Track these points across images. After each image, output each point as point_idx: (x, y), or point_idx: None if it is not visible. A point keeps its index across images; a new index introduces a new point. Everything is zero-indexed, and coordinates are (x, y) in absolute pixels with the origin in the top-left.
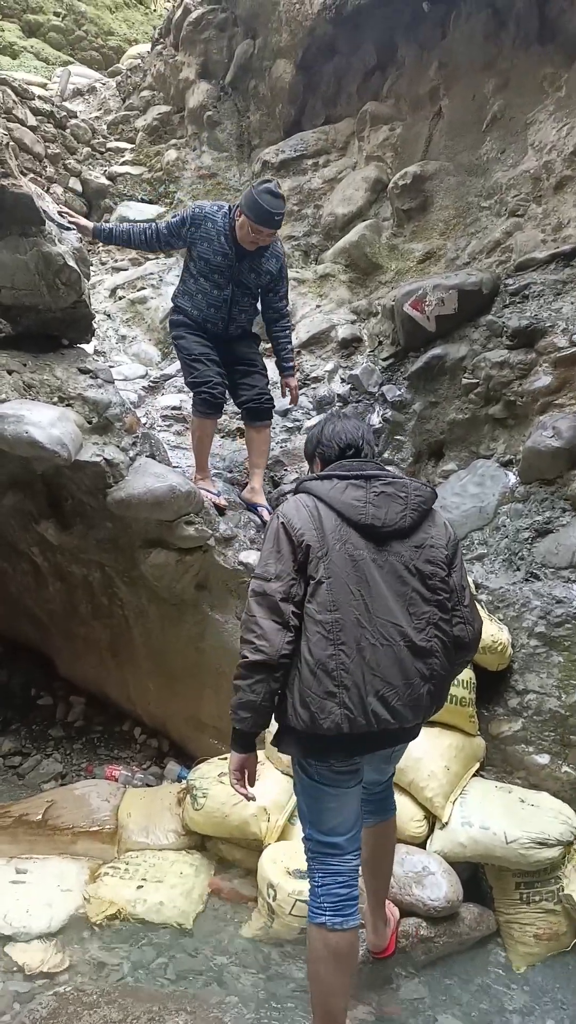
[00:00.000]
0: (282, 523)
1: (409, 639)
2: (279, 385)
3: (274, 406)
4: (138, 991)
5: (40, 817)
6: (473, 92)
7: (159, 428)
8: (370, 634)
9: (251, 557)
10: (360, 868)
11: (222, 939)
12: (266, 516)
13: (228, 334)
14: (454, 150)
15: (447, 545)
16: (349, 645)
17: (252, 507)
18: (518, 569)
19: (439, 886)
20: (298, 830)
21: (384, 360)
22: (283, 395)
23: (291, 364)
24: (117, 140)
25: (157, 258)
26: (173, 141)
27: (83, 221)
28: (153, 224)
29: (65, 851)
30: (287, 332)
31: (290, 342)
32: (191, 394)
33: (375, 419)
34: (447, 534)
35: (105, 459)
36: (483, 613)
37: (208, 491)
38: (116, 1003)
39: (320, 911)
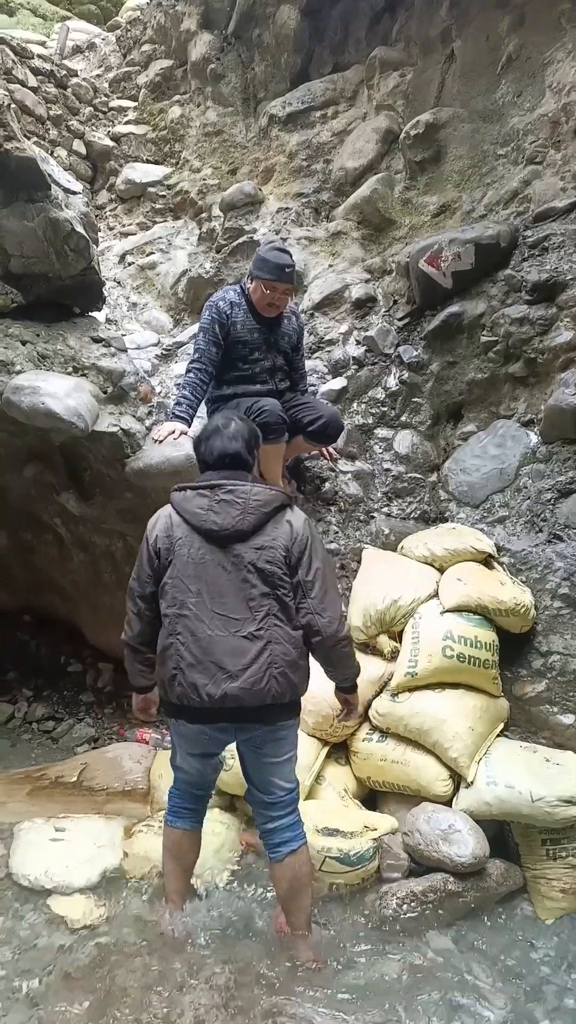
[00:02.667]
0: (147, 533)
1: (247, 630)
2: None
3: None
4: (176, 942)
5: (75, 779)
6: (487, 32)
7: (173, 396)
8: (207, 626)
9: None
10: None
11: (255, 894)
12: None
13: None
14: (468, 95)
15: (289, 546)
16: (185, 635)
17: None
18: (540, 531)
19: (466, 843)
20: (324, 790)
21: (400, 320)
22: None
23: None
24: (120, 98)
25: (165, 221)
26: (176, 97)
27: (171, 429)
28: (197, 359)
29: (100, 810)
30: (304, 385)
31: (306, 391)
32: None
33: (392, 381)
34: (292, 535)
35: (122, 429)
36: (505, 575)
37: None
38: (156, 954)
39: (167, 813)
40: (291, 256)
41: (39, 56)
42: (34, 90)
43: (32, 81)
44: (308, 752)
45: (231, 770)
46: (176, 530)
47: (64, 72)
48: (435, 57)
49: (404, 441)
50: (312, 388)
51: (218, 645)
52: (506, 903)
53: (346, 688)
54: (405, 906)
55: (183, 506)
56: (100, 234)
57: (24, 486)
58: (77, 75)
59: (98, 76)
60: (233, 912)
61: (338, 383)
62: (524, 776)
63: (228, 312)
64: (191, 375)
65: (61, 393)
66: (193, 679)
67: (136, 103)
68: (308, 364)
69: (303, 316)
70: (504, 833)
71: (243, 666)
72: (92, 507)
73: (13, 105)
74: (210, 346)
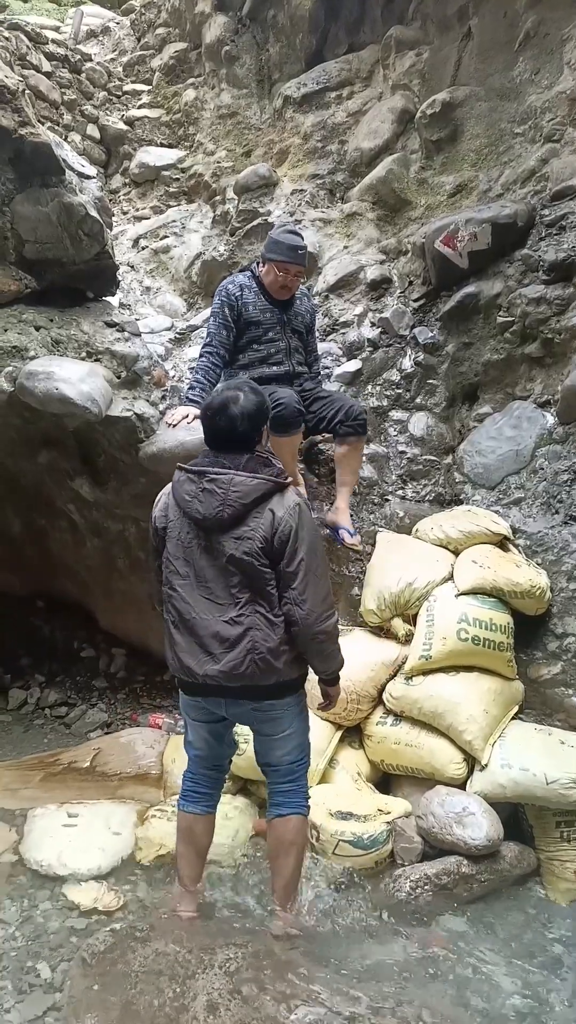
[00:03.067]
0: (152, 509)
1: (228, 615)
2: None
3: (367, 418)
4: (190, 928)
5: (88, 764)
6: (504, 9)
7: (187, 380)
8: (192, 608)
9: None
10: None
11: (266, 877)
12: (348, 540)
13: (291, 382)
14: (485, 73)
15: (268, 536)
16: (174, 615)
17: (334, 529)
18: (557, 512)
19: (480, 826)
20: (338, 774)
21: (415, 301)
22: None
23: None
24: (134, 82)
25: (179, 205)
26: (191, 80)
27: (184, 413)
28: (209, 344)
29: (113, 796)
30: (318, 367)
31: (319, 373)
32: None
33: (407, 363)
34: (273, 525)
35: (136, 414)
36: (520, 557)
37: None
38: (169, 939)
39: (180, 797)
40: (303, 238)
41: (53, 41)
42: (48, 75)
43: (46, 66)
44: (321, 736)
45: (243, 754)
46: (171, 511)
47: (78, 57)
48: (452, 35)
49: (419, 423)
50: (326, 370)
51: (203, 627)
52: (520, 885)
53: (326, 680)
54: (419, 889)
55: (176, 489)
56: (114, 218)
57: (38, 471)
58: (91, 59)
59: (112, 60)
60: (247, 897)
61: (353, 365)
62: (539, 758)
63: (238, 294)
64: (203, 359)
65: (75, 378)
66: (182, 657)
67: (150, 87)
68: (322, 346)
69: (316, 298)
70: (518, 815)
71: (224, 650)
72: (106, 492)
73: (27, 91)
74: (221, 329)
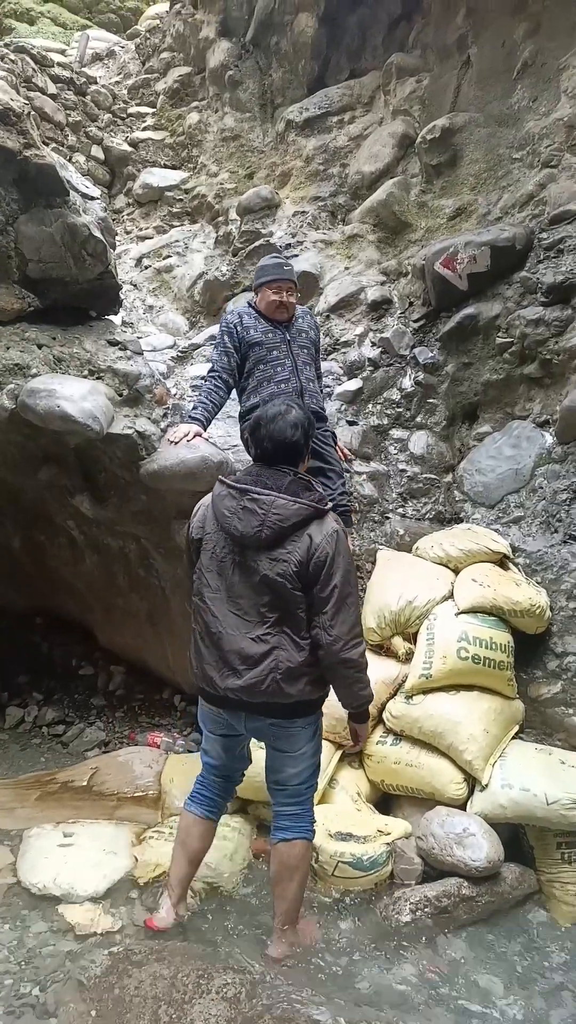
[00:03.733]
0: (191, 517)
1: (256, 633)
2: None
3: (353, 510)
4: (187, 950)
5: (85, 783)
6: (503, 38)
7: (189, 399)
8: (220, 622)
9: None
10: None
11: (266, 900)
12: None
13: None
14: (484, 100)
15: (304, 561)
16: (200, 627)
17: None
18: (556, 531)
19: (480, 847)
20: (337, 794)
21: (415, 321)
22: None
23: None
24: (138, 105)
25: (182, 225)
26: (194, 103)
27: (186, 431)
28: (211, 370)
29: (110, 816)
30: (320, 385)
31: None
32: None
33: (407, 382)
34: (310, 551)
35: (137, 431)
36: (520, 576)
37: None
38: (165, 961)
39: (188, 796)
40: (286, 258)
41: (59, 64)
42: (53, 97)
43: (52, 88)
44: (321, 755)
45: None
46: (208, 524)
47: (83, 79)
48: (451, 63)
49: (419, 442)
50: (328, 389)
51: (228, 642)
52: (521, 907)
53: (354, 715)
54: (419, 911)
55: (216, 504)
56: (117, 238)
57: (38, 488)
58: (96, 82)
59: (117, 83)
60: (246, 919)
61: (353, 384)
62: (539, 779)
63: (237, 321)
64: (206, 383)
65: (77, 396)
66: (205, 669)
67: (154, 109)
68: (324, 365)
69: (318, 318)
70: (519, 837)
71: (248, 666)
72: (106, 509)
73: (33, 112)
74: (222, 356)
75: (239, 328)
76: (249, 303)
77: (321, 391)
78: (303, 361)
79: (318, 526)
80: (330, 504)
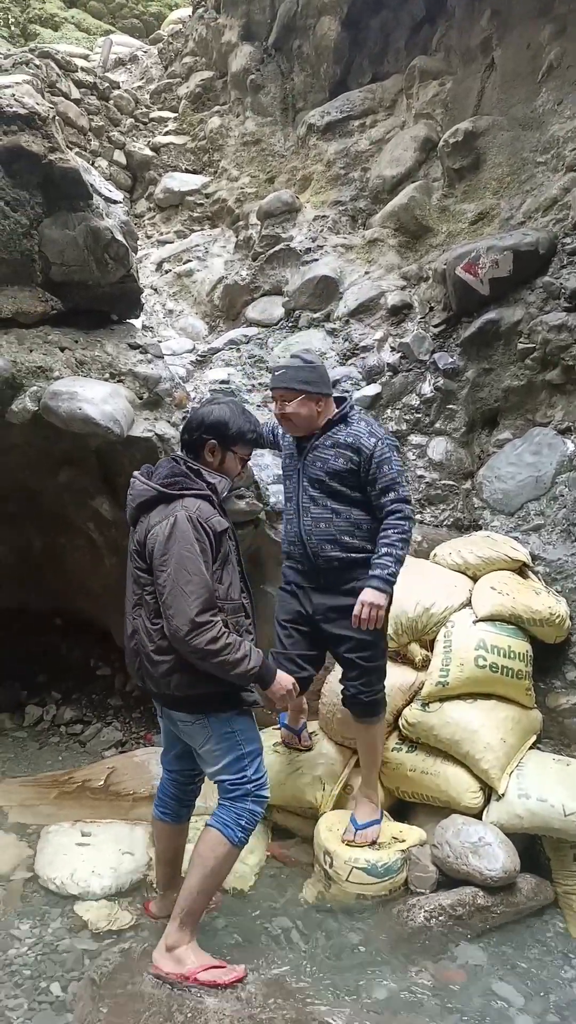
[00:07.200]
0: None
1: (128, 612)
2: None
3: (378, 698)
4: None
5: (102, 783)
6: (528, 41)
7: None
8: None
9: None
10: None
11: (280, 902)
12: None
13: (315, 565)
14: (507, 104)
15: (142, 543)
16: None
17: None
18: None
19: (496, 857)
20: (351, 800)
21: (435, 327)
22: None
23: (375, 572)
24: (160, 109)
25: (203, 229)
26: (216, 108)
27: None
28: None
29: (126, 815)
30: (390, 531)
31: (389, 542)
32: None
33: (427, 388)
34: (147, 534)
35: (156, 434)
36: (540, 584)
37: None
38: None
39: None
40: (302, 360)
41: (82, 69)
42: (77, 102)
43: (75, 93)
44: (336, 760)
45: None
46: None
47: (106, 84)
48: (475, 66)
49: (438, 448)
50: (345, 393)
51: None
52: (537, 918)
53: (246, 681)
54: (433, 920)
55: None
56: (138, 242)
57: (58, 490)
58: (119, 87)
59: (139, 88)
60: (259, 919)
61: (372, 389)
62: (557, 789)
63: (275, 430)
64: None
65: (98, 399)
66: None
67: (176, 114)
68: (342, 371)
69: (336, 323)
70: (535, 847)
71: (135, 655)
72: (125, 512)
73: (57, 117)
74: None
75: (276, 437)
76: None
77: (389, 530)
78: (310, 497)
79: (161, 510)
80: (190, 492)
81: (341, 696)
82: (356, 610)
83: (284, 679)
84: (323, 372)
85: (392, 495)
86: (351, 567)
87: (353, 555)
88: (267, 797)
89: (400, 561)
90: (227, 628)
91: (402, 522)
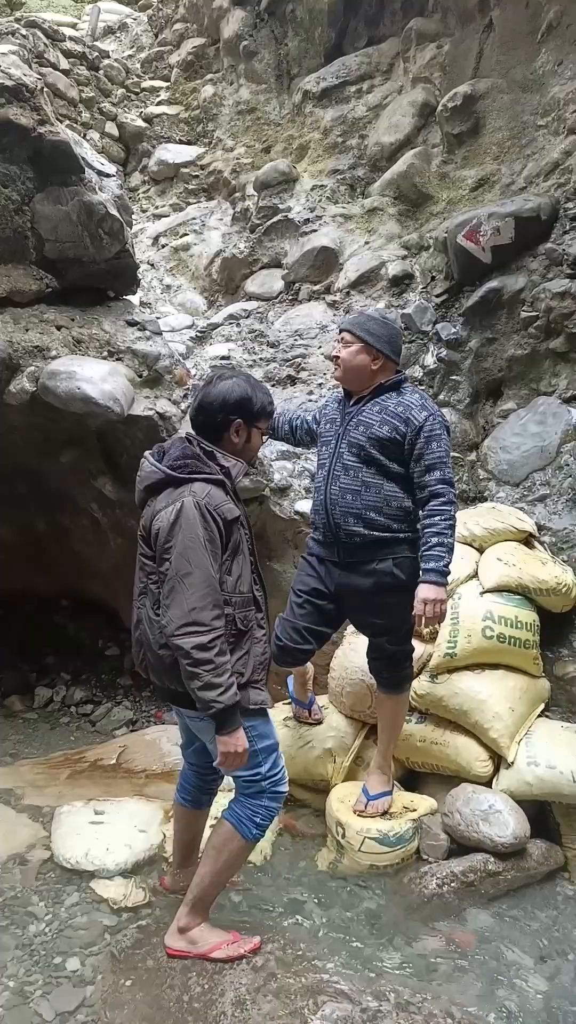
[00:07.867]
0: None
1: (134, 602)
2: None
3: (409, 672)
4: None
5: (114, 761)
6: (526, 0)
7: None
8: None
9: (306, 506)
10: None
11: (294, 873)
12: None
13: (337, 537)
14: (507, 65)
15: (148, 528)
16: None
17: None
18: None
19: (506, 824)
20: (363, 771)
21: (437, 296)
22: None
23: (430, 565)
24: (152, 79)
25: (199, 202)
26: (209, 76)
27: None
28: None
29: (139, 793)
30: (437, 518)
31: (438, 531)
32: None
33: (430, 359)
34: (153, 519)
35: (157, 412)
36: (546, 554)
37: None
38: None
39: None
40: (379, 313)
41: (71, 38)
42: (66, 73)
43: (64, 64)
44: (347, 733)
45: None
46: None
47: (96, 54)
48: (473, 27)
49: None
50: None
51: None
52: (548, 882)
53: (216, 721)
54: (445, 886)
55: None
56: (133, 216)
57: (61, 471)
58: (109, 56)
59: (130, 57)
60: (273, 891)
61: None
62: (566, 756)
63: (323, 406)
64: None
65: (97, 378)
66: None
67: (168, 83)
68: None
69: (337, 295)
70: (545, 813)
71: (132, 633)
72: (129, 491)
73: (45, 89)
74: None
75: (320, 412)
76: None
77: (435, 517)
78: (343, 465)
79: (168, 494)
80: (201, 476)
81: (368, 664)
82: (418, 609)
83: (240, 739)
84: (394, 334)
85: (437, 474)
86: (375, 546)
87: (376, 533)
88: (284, 792)
89: (451, 551)
90: (230, 632)
91: (448, 507)
